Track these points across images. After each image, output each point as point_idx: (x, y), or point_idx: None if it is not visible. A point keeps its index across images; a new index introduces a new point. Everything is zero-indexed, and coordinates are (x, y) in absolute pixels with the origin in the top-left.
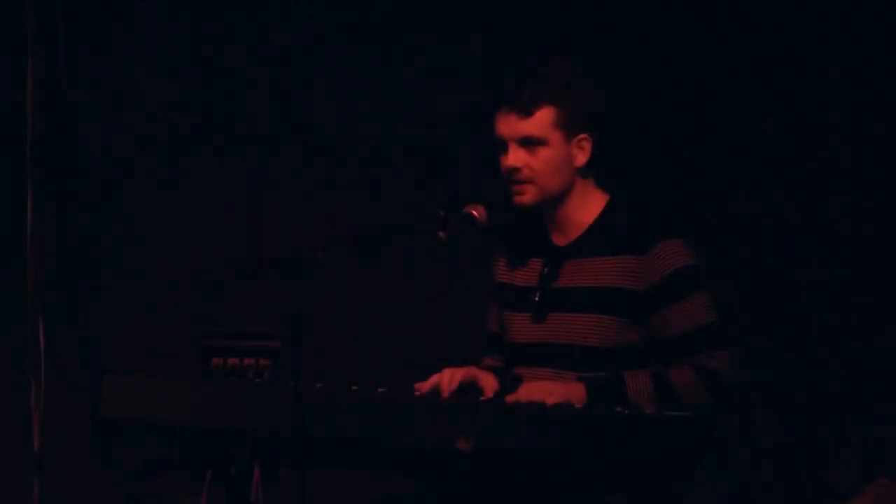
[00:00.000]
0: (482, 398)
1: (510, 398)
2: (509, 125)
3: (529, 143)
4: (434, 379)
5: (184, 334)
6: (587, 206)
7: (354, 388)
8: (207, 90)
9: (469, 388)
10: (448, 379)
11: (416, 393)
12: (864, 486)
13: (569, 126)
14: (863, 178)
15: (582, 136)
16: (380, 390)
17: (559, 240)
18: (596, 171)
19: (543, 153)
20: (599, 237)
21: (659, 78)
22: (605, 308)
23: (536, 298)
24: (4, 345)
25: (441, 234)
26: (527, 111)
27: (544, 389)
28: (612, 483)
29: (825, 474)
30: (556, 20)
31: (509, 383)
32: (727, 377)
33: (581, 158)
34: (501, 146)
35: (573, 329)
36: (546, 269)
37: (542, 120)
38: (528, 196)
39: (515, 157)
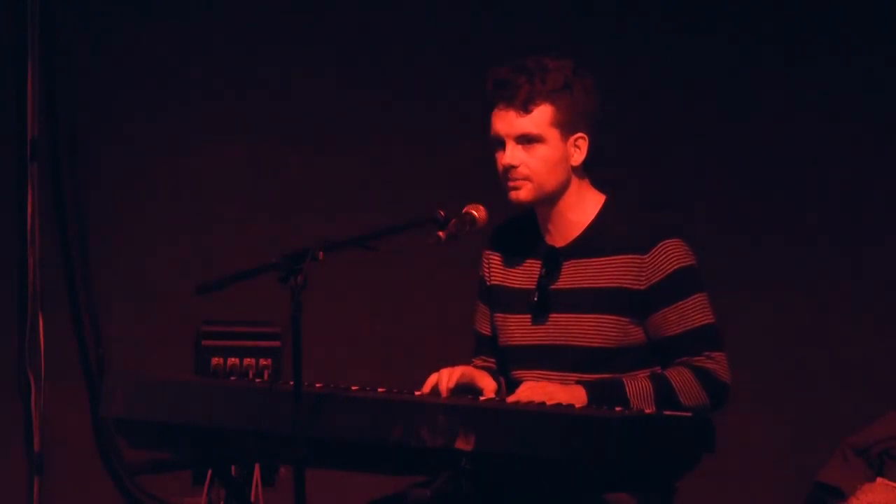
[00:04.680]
0: (482, 398)
1: (510, 399)
2: (507, 122)
3: (527, 140)
4: (432, 379)
5: (184, 334)
6: (584, 206)
7: (354, 388)
8: (206, 88)
9: (467, 389)
10: (446, 377)
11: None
12: (864, 486)
13: (566, 125)
14: (862, 178)
15: (579, 135)
16: (380, 390)
17: (556, 240)
18: (592, 171)
19: (540, 151)
20: (599, 237)
21: (655, 77)
22: (608, 308)
23: (535, 300)
24: (4, 345)
25: (441, 234)
26: (525, 108)
27: (544, 391)
28: (612, 483)
29: (825, 474)
30: (554, 18)
31: (508, 384)
32: (725, 378)
33: (578, 157)
34: (498, 144)
35: (575, 330)
36: (544, 269)
37: (539, 117)
38: (524, 192)
39: (513, 154)
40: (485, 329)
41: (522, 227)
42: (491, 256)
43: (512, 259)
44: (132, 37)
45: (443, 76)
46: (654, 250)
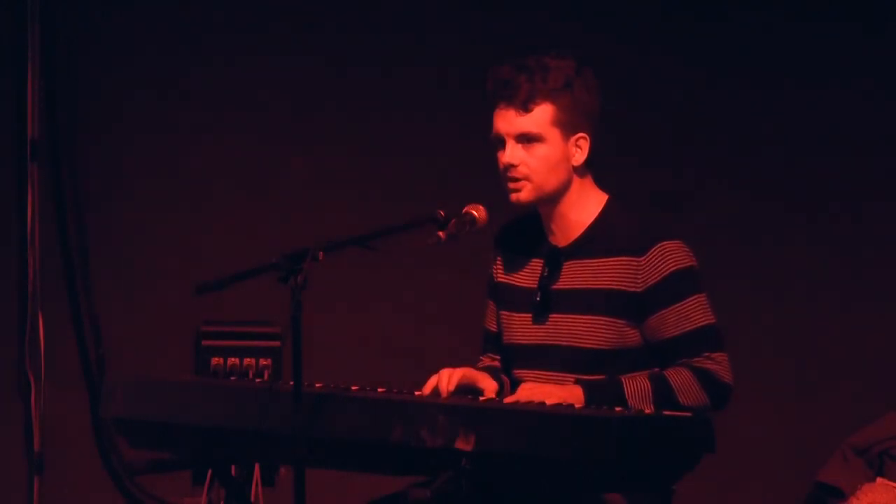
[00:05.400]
0: (482, 398)
1: (508, 399)
2: (507, 121)
3: (527, 139)
4: (433, 380)
5: (184, 334)
6: (585, 206)
7: (354, 388)
8: (206, 88)
9: (468, 390)
10: (446, 378)
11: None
12: (864, 486)
13: (567, 124)
14: (862, 178)
15: (580, 134)
16: (380, 390)
17: (558, 240)
18: (594, 171)
19: (541, 150)
20: (599, 238)
21: (654, 77)
22: (604, 310)
23: (537, 299)
24: (4, 345)
25: (441, 234)
26: (525, 107)
27: (543, 392)
28: (612, 483)
29: (825, 474)
30: (557, 18)
31: (512, 383)
32: (726, 379)
33: (579, 157)
34: (499, 143)
35: (572, 331)
36: (546, 269)
37: (540, 117)
38: (524, 193)
39: (513, 153)
40: (493, 326)
41: (528, 226)
42: (498, 254)
43: (518, 257)
44: (132, 37)
45: (443, 76)
46: (650, 252)
